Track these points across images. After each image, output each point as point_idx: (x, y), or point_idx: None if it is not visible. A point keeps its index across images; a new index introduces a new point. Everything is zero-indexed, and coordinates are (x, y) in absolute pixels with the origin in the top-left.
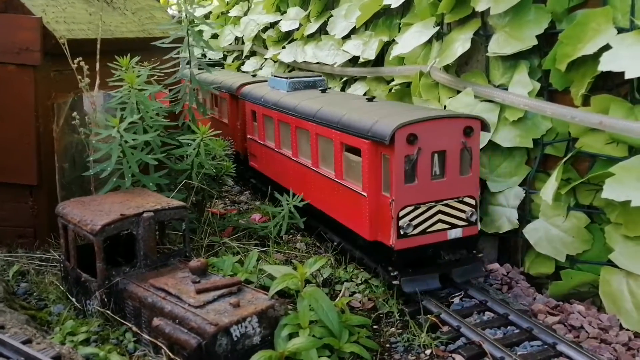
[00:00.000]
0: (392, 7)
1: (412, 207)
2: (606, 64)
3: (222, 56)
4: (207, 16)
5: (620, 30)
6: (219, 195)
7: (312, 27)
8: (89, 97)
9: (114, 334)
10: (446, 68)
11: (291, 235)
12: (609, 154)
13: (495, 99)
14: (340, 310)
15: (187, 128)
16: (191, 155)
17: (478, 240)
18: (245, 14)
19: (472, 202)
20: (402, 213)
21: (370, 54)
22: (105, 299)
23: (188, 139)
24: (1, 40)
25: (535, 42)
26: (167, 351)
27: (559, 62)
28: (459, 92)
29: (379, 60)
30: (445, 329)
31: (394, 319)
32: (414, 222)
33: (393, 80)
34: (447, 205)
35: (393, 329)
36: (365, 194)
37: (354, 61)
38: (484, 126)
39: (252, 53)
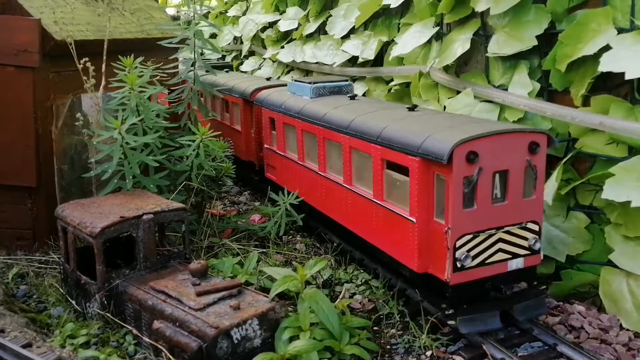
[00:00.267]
0: (391, 7)
1: (470, 236)
2: (606, 64)
3: (220, 56)
4: (205, 16)
5: (621, 31)
6: (218, 196)
7: (311, 26)
8: (93, 98)
9: (114, 336)
10: (446, 68)
11: (291, 236)
12: (609, 155)
13: (495, 99)
14: (340, 312)
15: (188, 129)
16: (191, 157)
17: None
18: (244, 13)
19: (536, 227)
20: (459, 243)
21: (370, 54)
22: (105, 302)
23: (187, 140)
24: None
25: (535, 43)
26: (168, 354)
27: (559, 63)
28: (458, 92)
29: (378, 60)
30: (445, 330)
31: (395, 320)
32: (472, 253)
33: (392, 80)
34: (508, 232)
35: (393, 330)
36: (413, 220)
37: (353, 61)
38: (550, 141)
39: (251, 53)
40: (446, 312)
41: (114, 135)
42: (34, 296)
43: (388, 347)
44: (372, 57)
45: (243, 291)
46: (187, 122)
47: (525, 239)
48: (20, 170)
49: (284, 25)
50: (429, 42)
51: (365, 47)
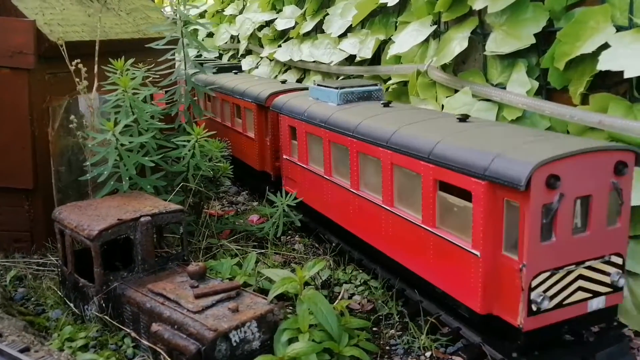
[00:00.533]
0: (388, 5)
1: (547, 274)
2: (605, 63)
3: (217, 55)
4: (202, 15)
5: (619, 29)
6: (216, 196)
7: (308, 25)
8: (87, 99)
9: (112, 339)
10: (443, 67)
11: (289, 237)
12: None
13: (493, 98)
14: (339, 313)
15: (183, 130)
16: (187, 157)
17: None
18: (241, 12)
19: (619, 261)
20: (535, 282)
21: (367, 52)
22: (104, 304)
23: (183, 141)
24: None
25: (533, 41)
26: (166, 357)
27: (557, 61)
28: (456, 91)
29: (376, 59)
30: (445, 330)
31: (394, 321)
32: (549, 293)
33: (390, 79)
34: (589, 267)
35: (393, 331)
36: (476, 253)
37: (350, 60)
38: (638, 159)
39: (248, 52)
40: None
41: (108, 137)
42: (32, 299)
43: (387, 348)
44: (369, 56)
45: (242, 293)
46: (181, 123)
47: (608, 274)
48: (17, 172)
49: (281, 24)
50: (427, 40)
51: (362, 46)
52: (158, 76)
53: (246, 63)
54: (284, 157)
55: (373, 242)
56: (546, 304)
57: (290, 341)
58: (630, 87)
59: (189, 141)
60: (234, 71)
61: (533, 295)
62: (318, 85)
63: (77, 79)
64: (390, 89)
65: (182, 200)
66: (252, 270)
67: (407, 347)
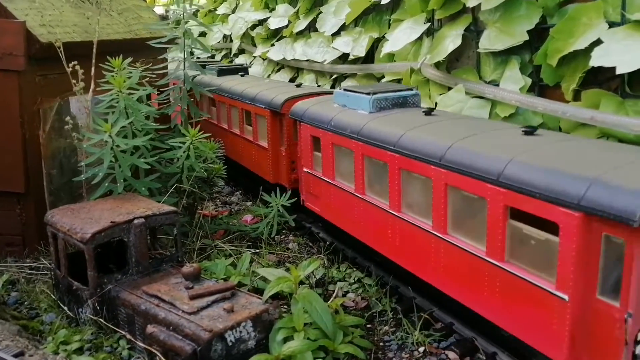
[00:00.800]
0: (381, 3)
1: None
2: (597, 59)
3: (210, 54)
4: (195, 14)
5: (612, 25)
6: (209, 197)
7: (301, 24)
8: (82, 101)
9: (107, 341)
10: (437, 64)
11: (283, 236)
12: None
13: (487, 95)
14: (334, 311)
15: (178, 131)
16: (181, 159)
17: None
18: (233, 11)
19: None
20: None
21: (360, 50)
22: (98, 307)
23: (178, 142)
24: None
25: (527, 38)
26: (162, 358)
27: (550, 58)
28: (450, 88)
29: (369, 57)
30: (438, 325)
31: (388, 318)
32: None
33: (383, 77)
34: None
35: (387, 328)
36: (563, 296)
37: (343, 58)
38: None
39: (241, 51)
40: None
41: (104, 138)
42: (26, 303)
43: (381, 344)
44: (362, 54)
45: (236, 293)
46: (176, 124)
47: None
48: (7, 175)
49: (273, 23)
50: (420, 38)
51: (355, 44)
52: (154, 76)
53: (239, 62)
54: (305, 169)
55: (420, 273)
56: None
57: (286, 340)
58: (622, 82)
59: (184, 143)
60: (240, 73)
61: (638, 349)
62: (345, 90)
63: (73, 81)
64: None
65: (176, 201)
66: (247, 270)
67: (401, 343)
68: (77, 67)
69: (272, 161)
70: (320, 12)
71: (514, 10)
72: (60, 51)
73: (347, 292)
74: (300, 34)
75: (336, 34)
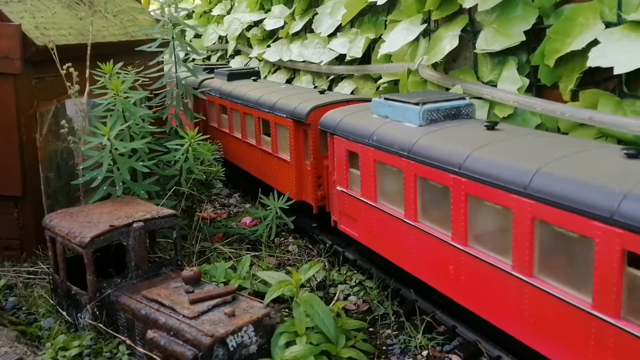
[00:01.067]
0: (378, 4)
1: None
2: (595, 59)
3: (205, 55)
4: (189, 15)
5: (608, 25)
6: (208, 199)
7: (297, 25)
8: (78, 104)
9: (107, 347)
10: (434, 65)
11: (283, 238)
12: None
13: (484, 95)
14: (336, 314)
15: (175, 133)
16: (180, 161)
17: None
18: (229, 12)
19: None
20: None
21: (357, 51)
22: (97, 312)
23: (176, 145)
24: None
25: (523, 38)
26: None
27: (548, 58)
28: (447, 89)
29: (366, 58)
30: (441, 329)
31: (390, 321)
32: None
33: (380, 78)
34: None
35: (389, 331)
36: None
37: (340, 59)
38: None
39: (237, 52)
40: None
41: (103, 141)
42: (24, 308)
43: (384, 348)
44: (359, 55)
45: (237, 297)
46: (172, 127)
47: None
48: (4, 179)
49: (269, 24)
50: (417, 39)
51: (352, 45)
52: (148, 79)
53: (235, 64)
54: (338, 188)
55: (496, 320)
56: None
57: (288, 344)
58: (620, 82)
59: (182, 145)
60: (252, 77)
61: None
62: (386, 98)
63: (68, 84)
64: (381, 88)
65: (175, 204)
66: (247, 274)
67: (404, 347)
68: (72, 69)
69: (295, 176)
70: (316, 13)
71: (511, 11)
72: (54, 53)
73: (349, 295)
74: (297, 35)
75: (332, 35)
